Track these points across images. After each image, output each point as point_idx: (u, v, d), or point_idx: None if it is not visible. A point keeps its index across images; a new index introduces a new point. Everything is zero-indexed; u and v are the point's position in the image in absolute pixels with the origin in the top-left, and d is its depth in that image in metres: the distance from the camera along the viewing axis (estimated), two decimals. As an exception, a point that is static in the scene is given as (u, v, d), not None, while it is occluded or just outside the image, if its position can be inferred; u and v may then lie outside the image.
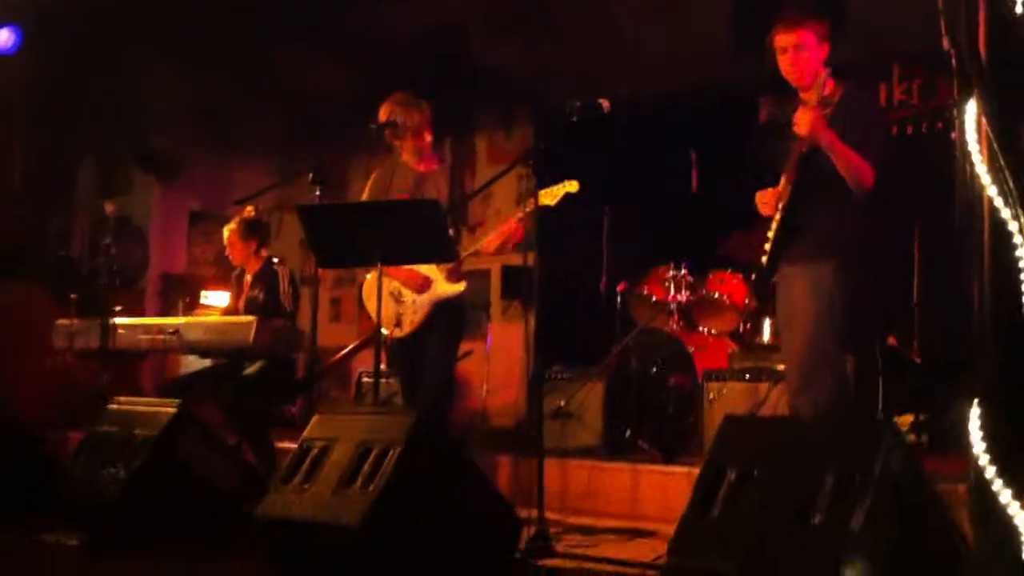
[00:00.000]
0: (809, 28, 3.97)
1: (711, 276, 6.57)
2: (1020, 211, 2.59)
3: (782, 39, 4.01)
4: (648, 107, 7.39)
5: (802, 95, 4.04)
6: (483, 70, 8.84)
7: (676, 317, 6.59)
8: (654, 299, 6.65)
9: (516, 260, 8.21)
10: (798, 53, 3.98)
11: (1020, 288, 2.57)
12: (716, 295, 6.49)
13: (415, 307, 4.92)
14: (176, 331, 5.67)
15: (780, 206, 4.00)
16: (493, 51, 8.79)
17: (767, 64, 4.17)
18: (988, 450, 2.56)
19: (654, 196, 6.94)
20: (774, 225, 4.02)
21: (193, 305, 7.02)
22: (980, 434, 2.59)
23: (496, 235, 4.91)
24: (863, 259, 3.96)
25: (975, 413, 2.62)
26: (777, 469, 2.87)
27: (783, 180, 4.01)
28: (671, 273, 6.62)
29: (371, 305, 5.05)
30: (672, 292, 6.59)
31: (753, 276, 4.22)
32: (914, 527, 2.76)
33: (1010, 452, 2.58)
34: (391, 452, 3.42)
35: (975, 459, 2.58)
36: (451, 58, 8.93)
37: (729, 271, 6.54)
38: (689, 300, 6.58)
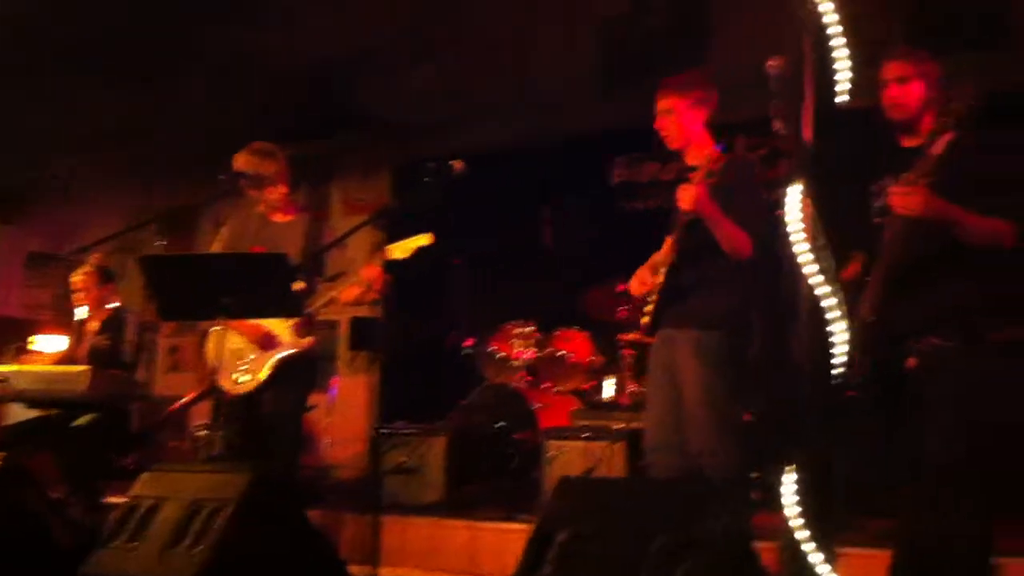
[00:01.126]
0: (681, 94, 4.12)
1: (558, 334, 6.68)
2: (836, 287, 2.75)
3: (659, 103, 4.17)
4: (504, 161, 7.52)
5: (688, 162, 4.17)
6: (342, 118, 8.82)
7: (523, 374, 6.67)
8: (501, 355, 6.72)
9: (365, 312, 8.27)
10: (668, 118, 4.14)
11: (831, 363, 2.72)
12: (562, 353, 6.60)
13: (258, 364, 4.84)
14: (5, 379, 5.43)
15: (663, 270, 4.11)
16: (353, 99, 8.79)
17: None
18: (800, 512, 2.69)
19: (506, 251, 7.04)
20: (658, 287, 4.12)
21: (22, 351, 6.73)
22: (793, 496, 2.71)
23: (353, 286, 4.87)
24: (745, 325, 4.10)
25: (789, 476, 2.74)
26: (608, 531, 2.93)
27: (666, 244, 4.12)
28: (518, 330, 6.71)
29: (216, 358, 4.97)
30: (519, 349, 6.67)
31: (641, 332, 4.31)
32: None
33: (821, 513, 2.71)
34: (222, 511, 3.35)
35: (787, 520, 2.70)
36: (310, 105, 8.89)
37: (575, 328, 6.68)
38: (536, 357, 6.67)
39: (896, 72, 3.84)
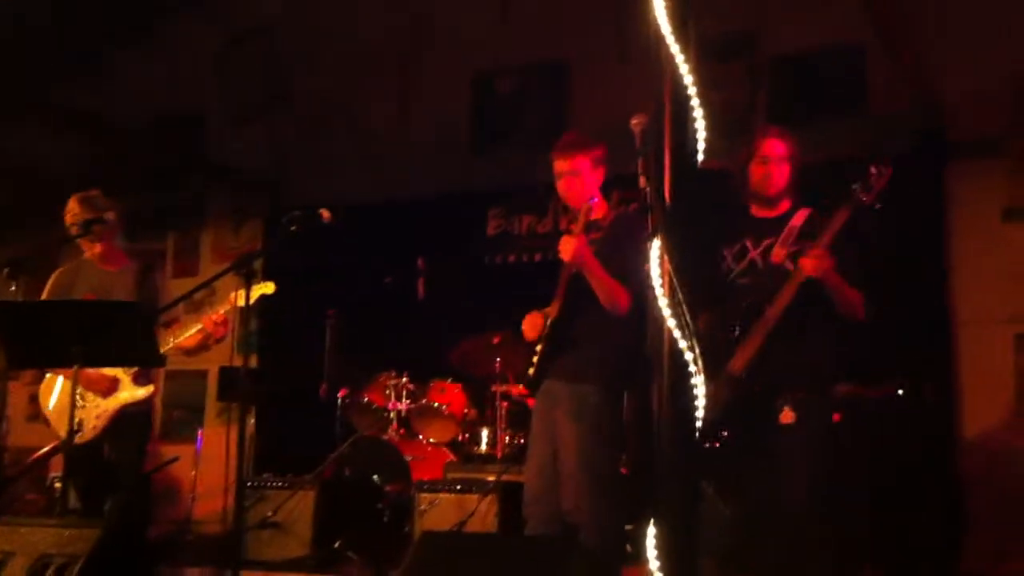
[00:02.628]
0: (583, 154, 4.17)
1: (432, 385, 6.63)
2: (695, 342, 2.79)
3: (559, 164, 4.21)
4: (381, 209, 7.50)
5: (574, 213, 4.22)
6: (217, 164, 8.71)
7: (396, 425, 6.60)
8: (375, 406, 6.64)
9: (236, 362, 8.08)
10: (572, 178, 4.18)
11: (693, 415, 2.76)
12: (436, 404, 6.56)
13: (98, 411, 4.73)
14: None
15: (549, 322, 4.13)
16: (229, 145, 8.69)
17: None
18: (660, 568, 2.70)
19: (380, 301, 6.98)
20: (543, 339, 4.14)
21: None
22: (655, 552, 2.72)
23: (196, 333, 4.78)
24: (626, 379, 4.13)
25: (651, 531, 2.76)
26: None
27: (556, 298, 4.14)
28: (392, 380, 6.65)
29: (51, 408, 4.83)
30: (393, 400, 6.60)
31: (524, 384, 4.31)
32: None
33: (682, 572, 2.72)
34: (71, 567, 3.22)
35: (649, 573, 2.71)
36: (185, 149, 8.76)
37: (450, 380, 6.64)
38: (409, 408, 6.61)
39: (773, 151, 4.08)
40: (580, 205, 4.22)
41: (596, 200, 4.17)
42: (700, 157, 2.93)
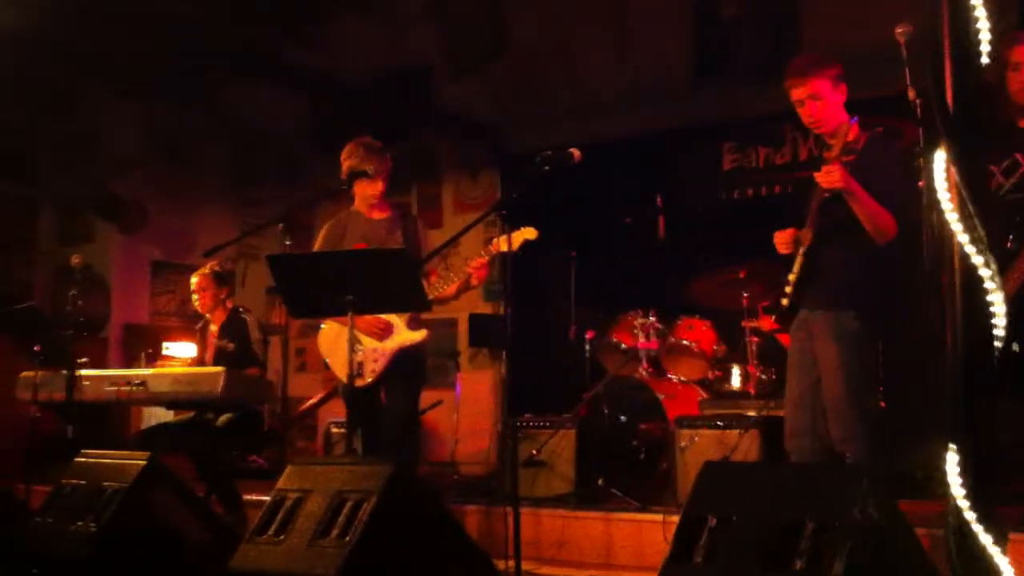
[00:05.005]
0: (820, 75, 4.00)
1: (679, 322, 6.60)
2: (990, 257, 2.63)
3: (796, 92, 4.04)
4: (612, 151, 7.46)
5: (827, 140, 4.08)
6: (445, 111, 8.89)
7: (645, 364, 6.61)
8: (623, 346, 6.67)
9: (484, 308, 8.31)
10: (815, 103, 4.02)
11: (992, 333, 2.60)
12: (684, 342, 6.52)
13: (376, 355, 4.91)
14: (143, 382, 5.60)
15: (802, 250, 4.02)
16: (456, 96, 8.85)
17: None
18: (967, 495, 2.58)
19: (621, 242, 6.98)
20: (796, 268, 4.04)
21: (156, 356, 6.93)
22: (958, 479, 2.60)
23: (455, 281, 4.91)
24: (883, 309, 3.99)
25: (952, 458, 2.63)
26: (757, 516, 2.87)
27: (806, 226, 4.03)
28: (639, 320, 6.65)
29: (331, 354, 5.06)
30: (641, 339, 6.61)
31: (774, 317, 4.23)
32: (895, 572, 2.77)
33: (988, 496, 2.60)
34: (366, 503, 3.39)
35: (954, 503, 2.59)
36: (415, 103, 8.98)
37: (697, 317, 6.59)
38: (658, 347, 6.60)
39: None
40: (829, 130, 4.05)
41: (856, 120, 3.99)
42: (984, 59, 2.74)
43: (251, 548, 3.58)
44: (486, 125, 8.84)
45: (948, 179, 2.71)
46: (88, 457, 4.49)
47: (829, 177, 3.84)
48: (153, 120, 9.38)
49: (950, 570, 2.55)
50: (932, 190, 2.74)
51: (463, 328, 8.27)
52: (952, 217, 2.66)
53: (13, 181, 9.43)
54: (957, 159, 2.67)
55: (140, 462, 4.23)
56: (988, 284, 2.60)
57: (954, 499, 2.58)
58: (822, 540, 2.69)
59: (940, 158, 2.73)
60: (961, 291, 2.66)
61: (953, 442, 2.63)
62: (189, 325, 8.86)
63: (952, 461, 2.62)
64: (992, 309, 2.58)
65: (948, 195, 2.70)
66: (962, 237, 2.64)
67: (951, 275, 2.68)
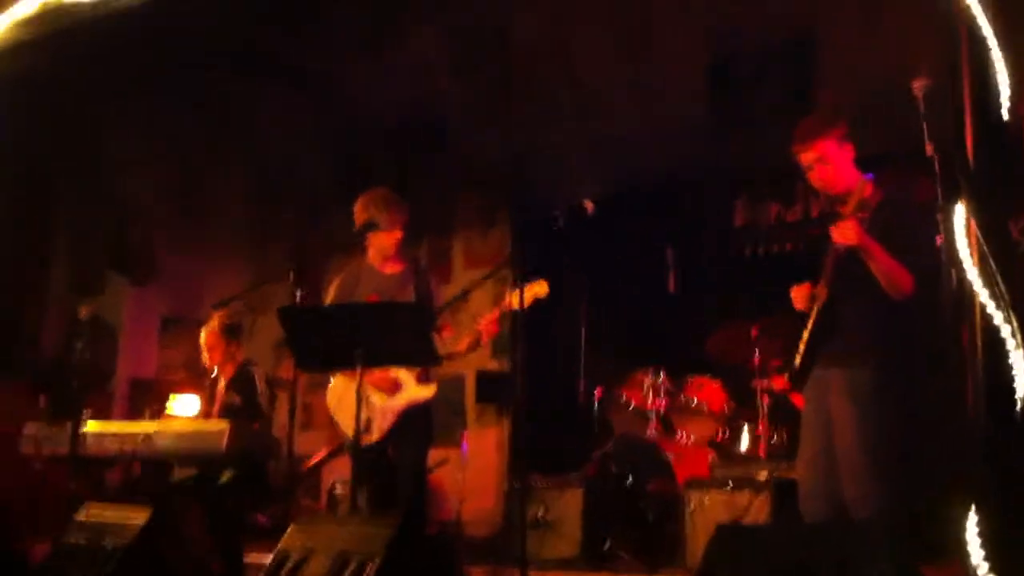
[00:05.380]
0: (824, 138, 3.95)
1: (690, 381, 6.52)
2: (1012, 314, 2.58)
3: (804, 157, 4.00)
4: (625, 206, 7.43)
5: (839, 207, 3.99)
6: (460, 161, 8.89)
7: (654, 423, 6.53)
8: (632, 405, 6.58)
9: (492, 364, 8.24)
10: (823, 167, 3.97)
11: (1015, 392, 2.54)
12: (694, 401, 6.44)
13: (384, 411, 4.85)
14: (147, 437, 5.52)
15: (816, 306, 3.96)
16: (469, 148, 8.86)
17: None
18: (986, 556, 2.50)
19: (631, 297, 6.93)
20: (809, 325, 3.97)
21: (159, 413, 6.87)
22: (978, 540, 2.53)
23: (467, 335, 4.87)
24: (902, 365, 3.87)
25: (972, 519, 2.56)
26: (772, 579, 2.79)
27: (821, 283, 3.97)
28: (649, 379, 6.57)
29: (339, 411, 5.00)
30: (651, 398, 6.53)
31: (787, 375, 4.15)
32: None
33: (1008, 558, 2.52)
34: (370, 563, 3.31)
35: (972, 566, 2.51)
36: (428, 155, 9.00)
37: (708, 376, 6.51)
38: (667, 406, 6.52)
39: None
40: (840, 191, 4.00)
41: (871, 177, 3.94)
42: (1005, 114, 2.72)
43: (253, 608, 3.50)
44: (500, 178, 8.83)
45: (968, 234, 2.67)
46: (89, 514, 4.40)
47: (844, 233, 3.78)
48: (167, 173, 9.42)
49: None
50: (952, 245, 2.70)
51: (470, 384, 8.19)
52: (972, 273, 2.62)
53: (27, 232, 9.46)
54: (978, 214, 2.64)
55: (141, 519, 4.15)
56: (1009, 343, 2.55)
57: (972, 562, 2.51)
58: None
59: (960, 213, 2.69)
60: (983, 349, 2.61)
61: (973, 503, 2.56)
62: (195, 379, 8.80)
63: (971, 523, 2.55)
64: (1014, 369, 2.53)
65: (968, 251, 2.66)
66: (982, 293, 2.59)
67: (972, 333, 2.63)
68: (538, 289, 4.67)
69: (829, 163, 3.94)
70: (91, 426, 5.69)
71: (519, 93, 8.55)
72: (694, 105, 7.86)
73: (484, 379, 7.75)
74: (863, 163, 4.07)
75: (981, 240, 2.62)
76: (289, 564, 3.50)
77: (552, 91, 8.44)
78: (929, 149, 3.50)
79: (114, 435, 5.63)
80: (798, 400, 4.32)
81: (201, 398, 6.39)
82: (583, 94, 8.24)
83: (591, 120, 8.22)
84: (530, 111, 8.52)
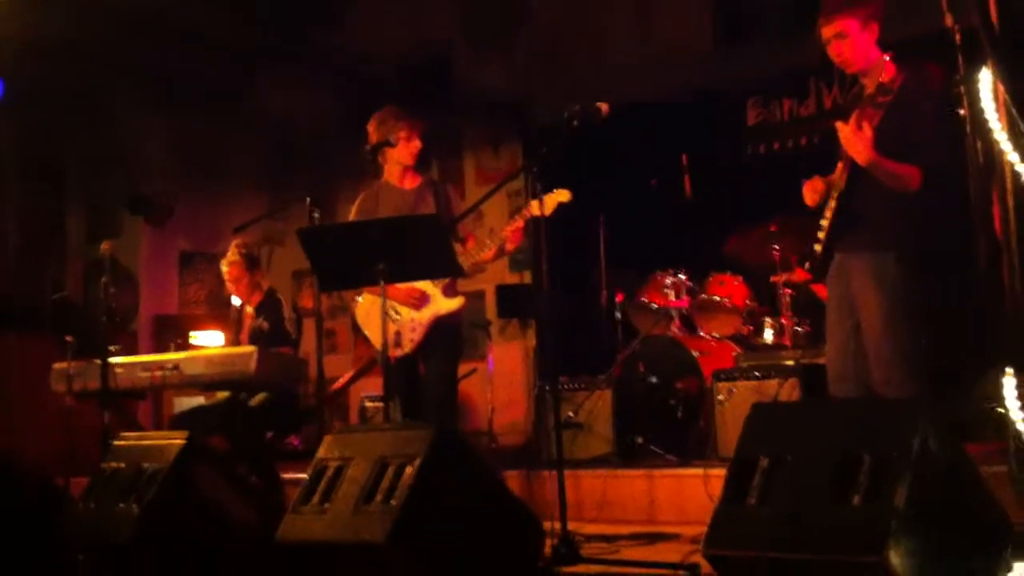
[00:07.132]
0: (849, 14, 3.86)
1: (711, 279, 6.52)
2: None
3: (824, 30, 3.92)
4: (636, 114, 7.36)
5: (861, 80, 3.96)
6: (466, 90, 8.83)
7: (677, 323, 6.55)
8: (654, 306, 6.60)
9: (511, 278, 8.25)
10: (840, 42, 3.89)
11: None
12: (716, 298, 6.45)
13: (413, 324, 4.86)
14: (176, 366, 5.56)
15: (835, 194, 3.92)
16: (475, 70, 8.78)
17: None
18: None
19: (649, 203, 6.89)
20: (828, 213, 3.94)
21: (184, 347, 6.92)
22: (1018, 403, 2.54)
23: (491, 248, 4.86)
24: (926, 249, 3.87)
25: (1010, 383, 2.57)
26: (810, 453, 2.80)
27: (838, 167, 3.92)
28: (669, 279, 6.58)
29: (368, 326, 5.01)
30: (671, 298, 6.54)
31: (807, 265, 4.14)
32: (956, 505, 2.70)
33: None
34: (410, 466, 3.33)
35: (1014, 427, 2.53)
36: (434, 80, 8.91)
37: (728, 273, 6.51)
38: (689, 304, 6.54)
39: None
40: (858, 70, 3.94)
41: (889, 57, 3.87)
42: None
43: (296, 518, 3.54)
44: (507, 100, 8.76)
45: (996, 98, 2.63)
46: (127, 440, 4.46)
47: (853, 149, 3.72)
48: (179, 117, 9.38)
49: (1011, 484, 2.48)
50: (978, 112, 2.67)
51: (490, 300, 8.21)
52: (1002, 137, 2.59)
53: (43, 182, 9.48)
54: (1005, 75, 2.60)
55: (179, 441, 4.19)
56: (1043, 203, 2.53)
57: (1014, 423, 2.52)
58: (881, 474, 2.62)
59: (986, 77, 2.65)
60: (1015, 212, 2.59)
61: (1012, 366, 2.57)
62: (219, 313, 8.85)
63: (1010, 386, 2.56)
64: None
65: (996, 115, 2.63)
66: (1013, 156, 2.57)
67: (1003, 196, 2.61)
68: (561, 196, 4.65)
69: (847, 38, 3.86)
70: (119, 360, 5.74)
71: (524, 16, 8.49)
72: (702, 16, 7.80)
73: (504, 294, 7.76)
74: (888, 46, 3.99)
75: (1010, 104, 2.57)
76: (329, 472, 3.53)
77: (557, 12, 8.37)
78: (949, 20, 3.44)
79: (143, 366, 5.67)
80: (820, 291, 4.30)
81: (225, 331, 6.43)
82: (588, 14, 8.17)
83: (596, 43, 8.15)
84: (536, 34, 8.46)
